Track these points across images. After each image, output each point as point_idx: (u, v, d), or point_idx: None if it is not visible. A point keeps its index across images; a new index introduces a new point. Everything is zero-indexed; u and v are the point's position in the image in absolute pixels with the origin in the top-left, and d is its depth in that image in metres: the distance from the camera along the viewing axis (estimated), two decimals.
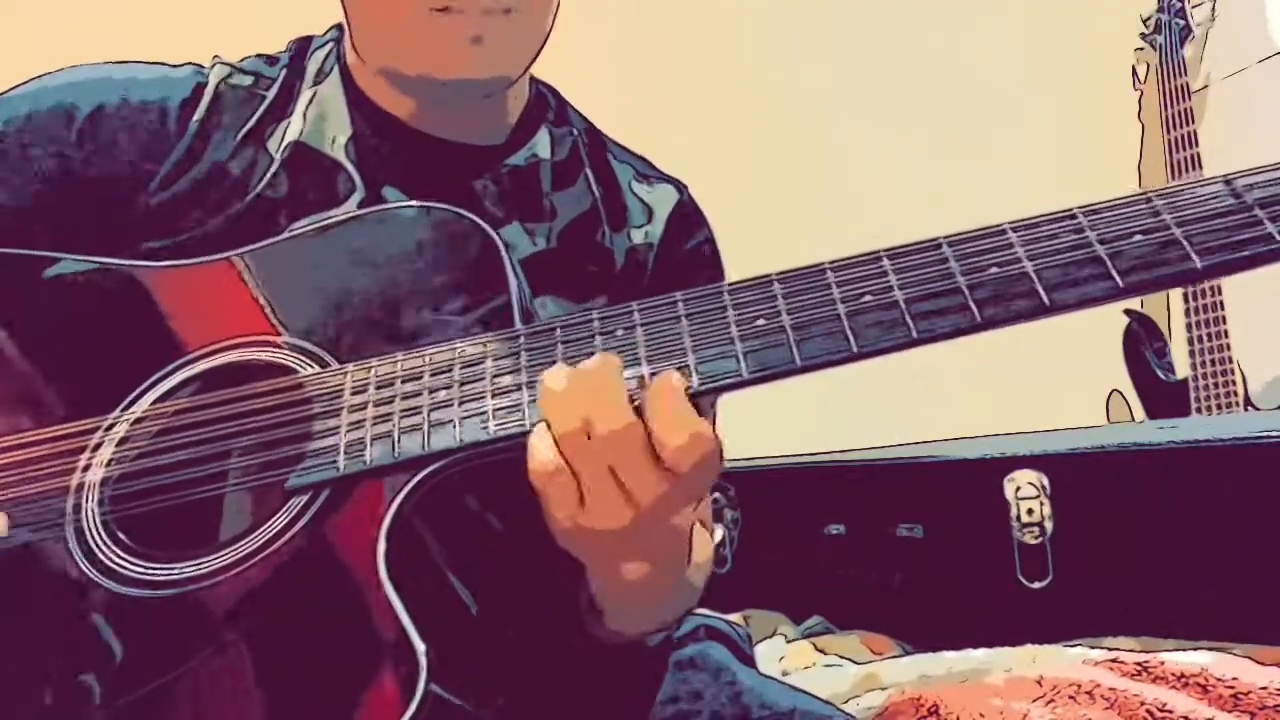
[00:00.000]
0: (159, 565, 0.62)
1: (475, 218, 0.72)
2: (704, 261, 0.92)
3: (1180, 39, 2.49)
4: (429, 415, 0.62)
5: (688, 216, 0.92)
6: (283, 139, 0.81)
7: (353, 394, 0.65)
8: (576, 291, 0.83)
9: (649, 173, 0.92)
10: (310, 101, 0.83)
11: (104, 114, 0.80)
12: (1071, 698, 0.83)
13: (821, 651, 1.36)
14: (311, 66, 0.85)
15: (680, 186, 0.93)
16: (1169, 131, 2.43)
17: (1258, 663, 0.87)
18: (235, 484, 0.65)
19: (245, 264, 0.74)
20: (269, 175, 0.79)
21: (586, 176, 0.88)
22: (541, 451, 0.57)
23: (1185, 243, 0.56)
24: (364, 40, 0.82)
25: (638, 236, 0.88)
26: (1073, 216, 0.58)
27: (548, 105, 0.90)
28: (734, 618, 0.98)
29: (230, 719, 0.58)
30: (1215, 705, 0.80)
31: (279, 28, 0.90)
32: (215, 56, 0.86)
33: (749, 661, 0.89)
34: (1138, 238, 0.57)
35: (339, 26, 0.88)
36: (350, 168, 0.81)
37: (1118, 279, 0.56)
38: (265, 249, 0.75)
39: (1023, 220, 0.59)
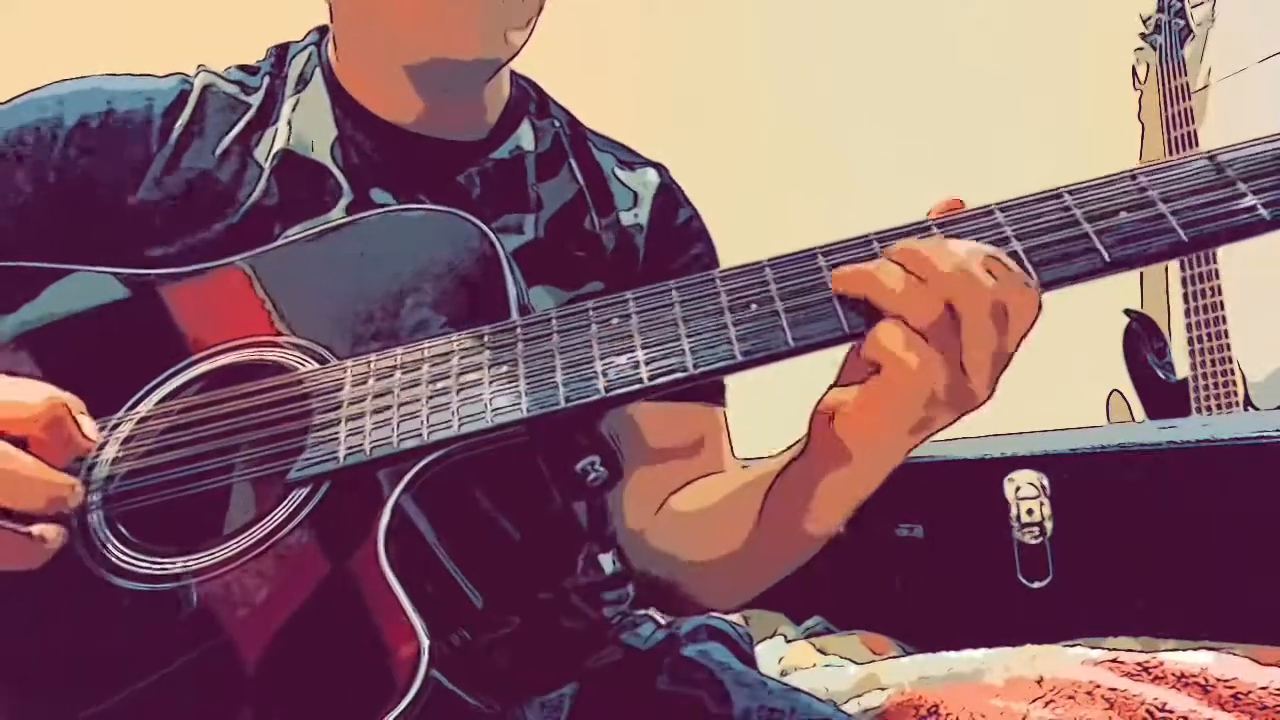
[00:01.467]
0: (162, 559, 0.63)
1: (473, 218, 0.73)
2: (694, 236, 0.94)
3: (1180, 39, 2.49)
4: (427, 406, 0.63)
5: (672, 196, 0.94)
6: (271, 147, 0.82)
7: (352, 388, 0.65)
8: (568, 279, 0.84)
9: (630, 159, 0.94)
10: (294, 108, 0.83)
11: (89, 124, 0.80)
12: (1071, 698, 0.83)
13: (821, 651, 1.36)
14: (292, 72, 0.86)
15: (661, 169, 0.95)
16: (1169, 131, 2.43)
17: (1258, 663, 0.87)
18: (237, 477, 0.65)
19: (247, 269, 0.75)
20: (260, 184, 0.80)
21: (570, 166, 0.89)
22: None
23: (1170, 217, 0.57)
24: (365, 35, 0.83)
25: (627, 219, 0.89)
26: (1058, 196, 0.59)
27: (529, 98, 0.91)
28: (734, 618, 0.98)
29: (234, 707, 0.58)
30: (1215, 705, 0.80)
31: (263, 38, 0.91)
32: (200, 66, 0.87)
33: (749, 661, 0.89)
34: (1123, 214, 0.58)
35: (318, 30, 0.89)
36: (336, 172, 0.81)
37: (1104, 253, 0.57)
38: (266, 254, 0.76)
39: (1010, 200, 0.60)
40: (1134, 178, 0.59)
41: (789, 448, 0.73)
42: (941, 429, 0.62)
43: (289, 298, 0.73)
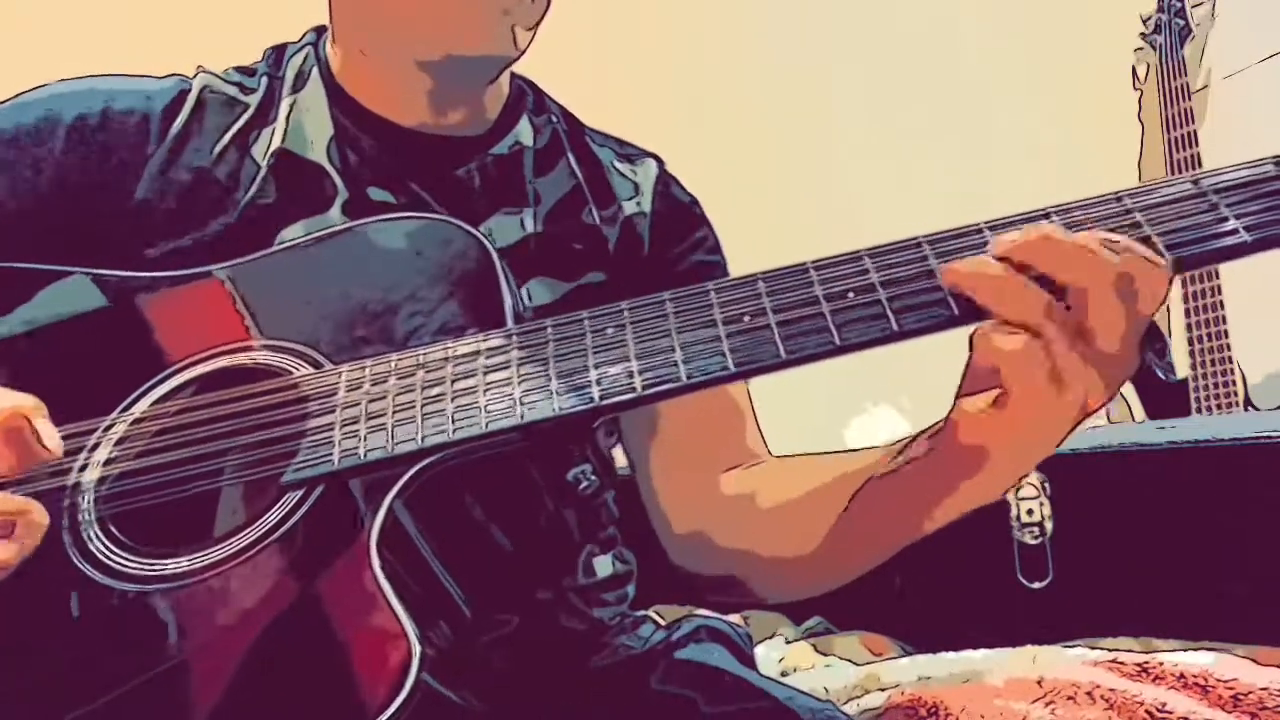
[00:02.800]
0: (154, 561, 0.63)
1: (469, 226, 0.73)
2: (697, 221, 0.94)
3: (1180, 39, 2.49)
4: (422, 410, 0.63)
5: (671, 182, 0.95)
6: (268, 146, 0.82)
7: (347, 392, 0.66)
8: (565, 271, 0.85)
9: (628, 151, 0.95)
10: (291, 108, 0.83)
11: (87, 123, 0.80)
12: (1070, 698, 0.82)
13: (821, 652, 1.36)
14: (290, 72, 0.86)
15: (657, 159, 0.96)
16: (1169, 131, 2.43)
17: (1258, 663, 0.87)
18: (231, 480, 0.65)
19: (243, 274, 0.75)
20: (257, 183, 0.80)
21: (568, 160, 0.90)
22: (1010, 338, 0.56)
23: (1156, 239, 0.58)
24: (370, 33, 0.83)
25: (630, 208, 0.90)
26: (1046, 215, 0.60)
27: (526, 96, 0.91)
28: (734, 618, 0.98)
29: (223, 708, 0.58)
30: (1215, 706, 0.80)
31: (260, 40, 0.91)
32: (199, 67, 0.87)
33: (749, 662, 0.89)
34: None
35: (315, 30, 0.89)
36: (333, 171, 0.81)
37: None
38: (263, 259, 0.76)
39: (1000, 219, 0.61)
40: (1119, 199, 0.60)
41: (891, 445, 0.72)
42: (1099, 408, 0.61)
43: (284, 303, 0.73)
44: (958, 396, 0.62)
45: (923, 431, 0.68)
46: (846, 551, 0.76)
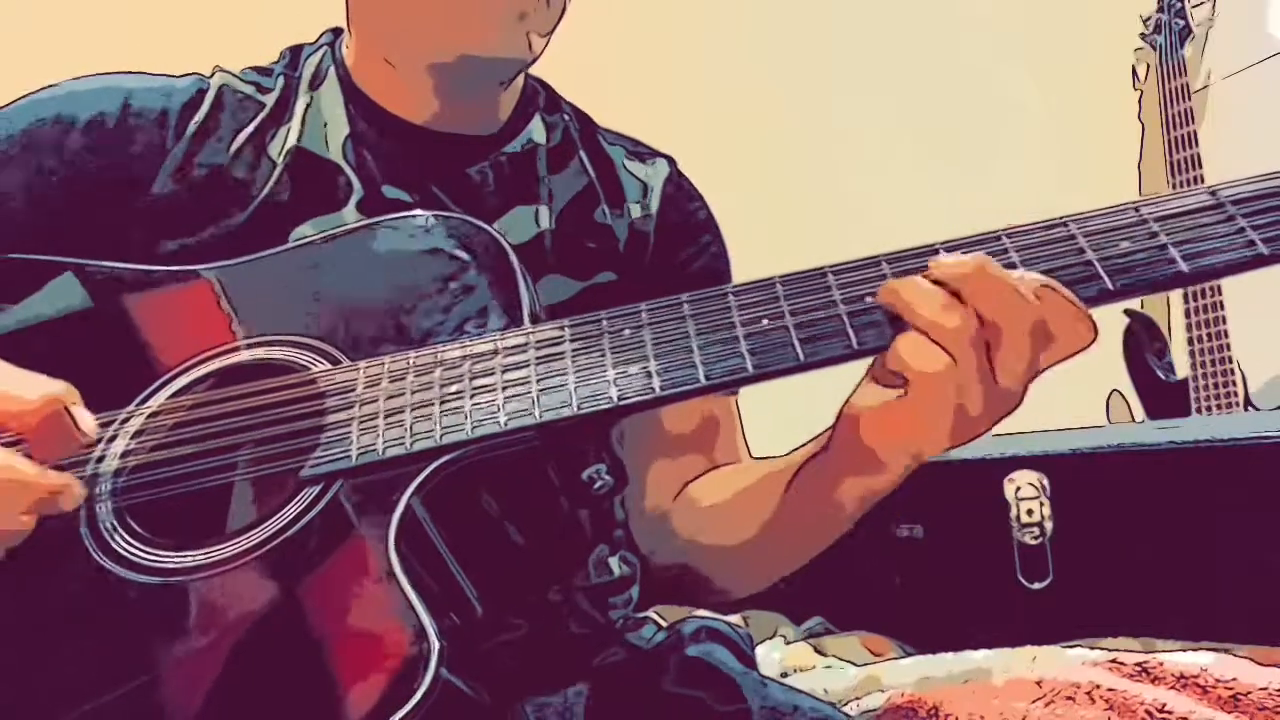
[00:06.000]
0: (171, 553, 0.63)
1: (487, 225, 0.73)
2: (702, 226, 0.95)
3: (1180, 39, 2.49)
4: (440, 407, 0.63)
5: (681, 186, 0.95)
6: (284, 144, 0.82)
7: (365, 388, 0.66)
8: (578, 270, 0.85)
9: (640, 150, 0.95)
10: (308, 106, 0.84)
11: (105, 120, 0.80)
12: (1070, 698, 0.82)
13: (821, 653, 1.36)
14: (306, 72, 0.86)
15: (670, 160, 0.96)
16: (1169, 131, 2.43)
17: (1258, 663, 0.87)
18: (247, 474, 0.65)
19: (261, 270, 0.75)
20: (272, 181, 0.80)
21: (580, 158, 0.90)
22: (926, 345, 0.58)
23: (1172, 249, 0.58)
24: (388, 34, 0.84)
25: (636, 211, 0.90)
26: (1064, 224, 0.61)
27: (539, 95, 0.92)
28: (734, 619, 0.98)
29: (238, 701, 0.58)
30: (1215, 706, 0.80)
31: (278, 40, 0.91)
32: (216, 66, 0.87)
33: (749, 663, 0.89)
34: (1124, 244, 0.59)
35: (332, 31, 0.89)
36: (348, 169, 0.82)
37: (1107, 281, 0.59)
38: (280, 255, 0.76)
39: (1017, 226, 0.62)
40: (1136, 209, 0.60)
41: (810, 442, 0.74)
42: (978, 435, 0.62)
43: (303, 299, 0.73)
44: (858, 388, 0.65)
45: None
46: (777, 544, 0.79)
